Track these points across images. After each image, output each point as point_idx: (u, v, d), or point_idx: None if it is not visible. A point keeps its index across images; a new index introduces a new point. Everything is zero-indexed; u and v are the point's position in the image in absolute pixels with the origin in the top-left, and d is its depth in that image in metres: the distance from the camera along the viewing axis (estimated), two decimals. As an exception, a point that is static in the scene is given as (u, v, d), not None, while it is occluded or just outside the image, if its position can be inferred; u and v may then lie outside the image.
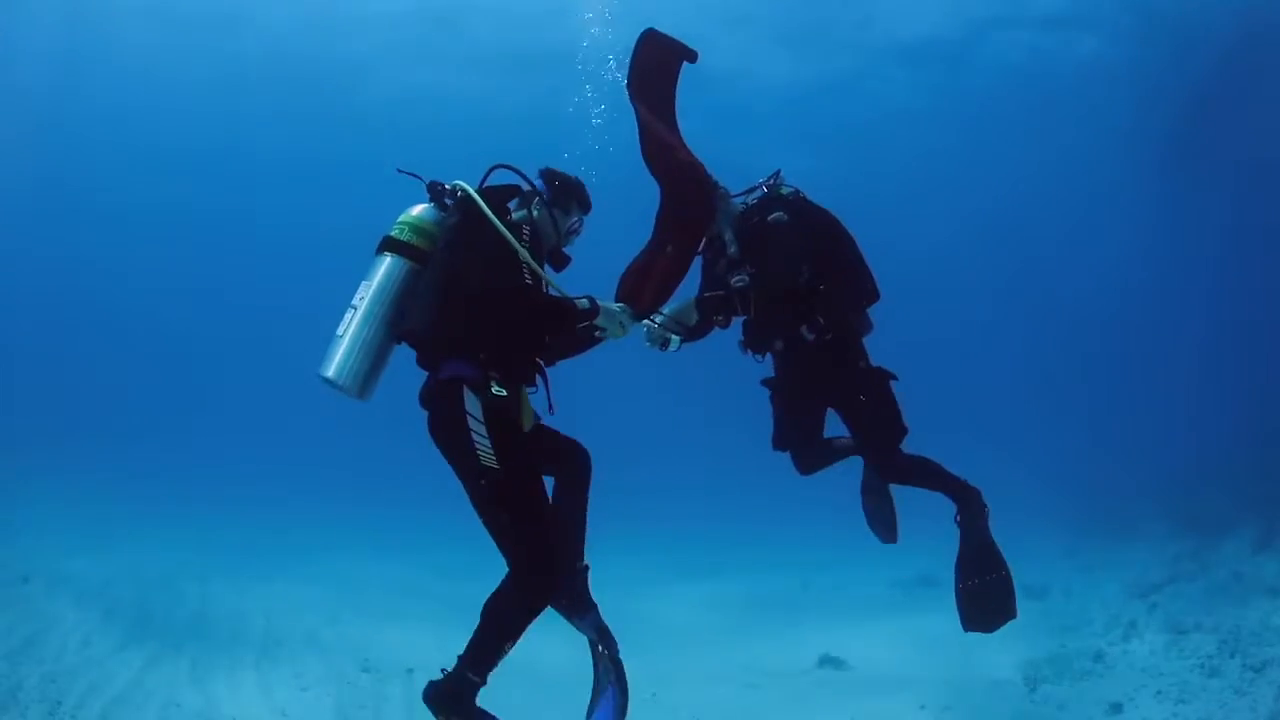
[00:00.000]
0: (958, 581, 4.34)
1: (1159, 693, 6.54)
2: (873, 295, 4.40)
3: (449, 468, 3.32)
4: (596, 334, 3.64)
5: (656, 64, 3.64)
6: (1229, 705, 6.08)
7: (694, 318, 4.05)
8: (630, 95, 3.60)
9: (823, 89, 18.07)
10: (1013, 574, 4.30)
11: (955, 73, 18.48)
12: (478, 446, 3.09)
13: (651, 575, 11.78)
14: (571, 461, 3.69)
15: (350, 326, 3.25)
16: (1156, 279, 21.31)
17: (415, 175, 3.47)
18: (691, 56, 3.68)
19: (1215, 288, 18.99)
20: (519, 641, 3.13)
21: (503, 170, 3.53)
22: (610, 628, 3.69)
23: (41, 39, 18.41)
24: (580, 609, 3.65)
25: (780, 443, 4.67)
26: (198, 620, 8.09)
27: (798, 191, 4.30)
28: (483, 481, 3.12)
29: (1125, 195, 20.13)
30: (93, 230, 24.15)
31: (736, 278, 4.03)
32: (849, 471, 5.10)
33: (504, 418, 3.17)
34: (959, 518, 4.40)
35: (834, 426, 4.67)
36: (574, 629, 3.76)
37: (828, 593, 10.67)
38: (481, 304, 3.16)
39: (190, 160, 22.52)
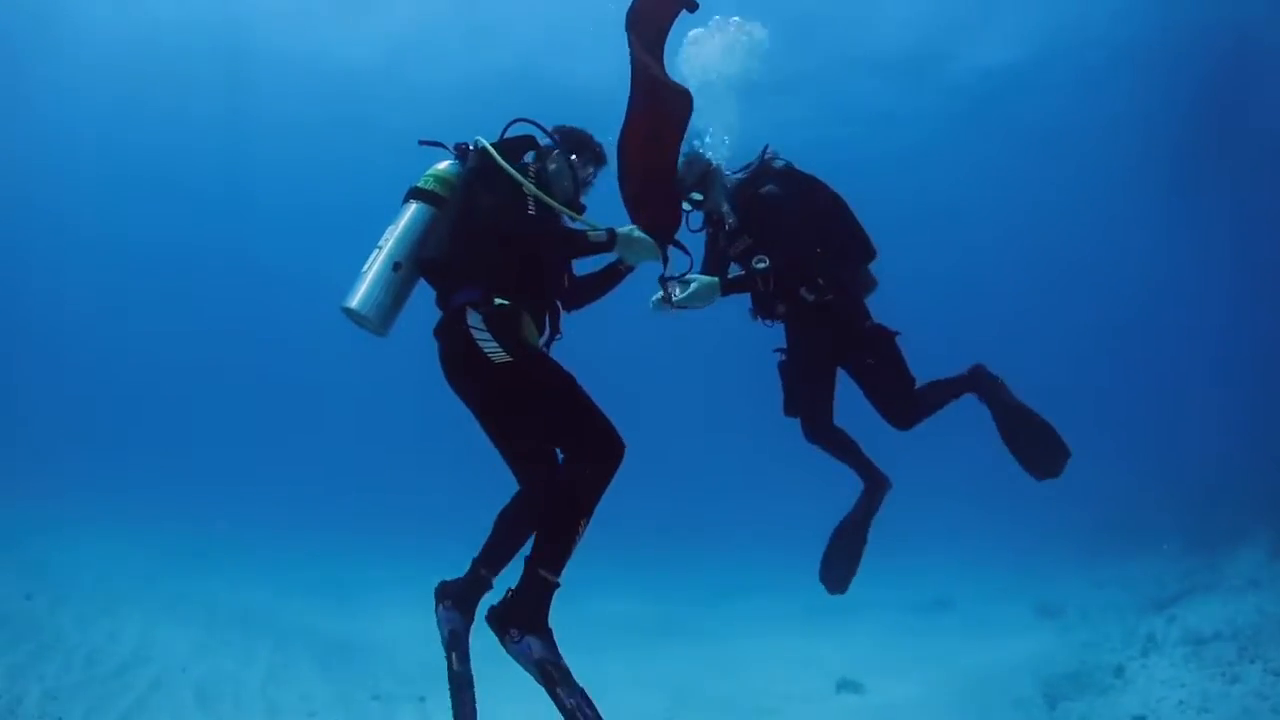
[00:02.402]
0: (1009, 448, 4.63)
1: (1181, 703, 6.46)
2: (869, 253, 4.57)
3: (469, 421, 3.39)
4: (621, 267, 3.81)
5: (656, 5, 3.70)
6: (1253, 710, 6.03)
7: (716, 298, 4.15)
8: (626, 25, 3.64)
9: (827, 111, 18.51)
10: (1051, 421, 4.57)
11: (963, 91, 18.82)
12: (485, 349, 3.18)
13: (664, 602, 11.64)
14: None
15: (375, 264, 3.43)
16: (1164, 292, 21.40)
17: (439, 144, 3.71)
18: (691, 6, 3.73)
19: (1224, 299, 19.06)
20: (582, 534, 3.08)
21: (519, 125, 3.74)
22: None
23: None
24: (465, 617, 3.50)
25: (790, 408, 4.76)
26: (204, 642, 7.95)
27: (789, 164, 4.48)
28: (501, 378, 3.19)
29: (1137, 208, 20.20)
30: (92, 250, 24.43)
31: (757, 259, 4.18)
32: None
33: (507, 323, 3.27)
34: (981, 398, 4.67)
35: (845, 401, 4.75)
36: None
37: (843, 617, 10.52)
38: (488, 235, 3.34)
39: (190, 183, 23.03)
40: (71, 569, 9.43)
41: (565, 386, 3.21)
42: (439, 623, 3.51)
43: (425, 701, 7.40)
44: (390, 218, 3.58)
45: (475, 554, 3.57)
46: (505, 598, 3.05)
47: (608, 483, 3.11)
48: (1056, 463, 4.58)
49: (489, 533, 3.58)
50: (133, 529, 12.46)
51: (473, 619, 3.51)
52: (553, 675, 2.89)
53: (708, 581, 13.57)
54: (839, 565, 4.97)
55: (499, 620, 3.01)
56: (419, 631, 9.31)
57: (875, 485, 4.85)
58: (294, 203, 24.06)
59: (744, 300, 4.54)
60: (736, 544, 15.89)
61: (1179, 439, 16.30)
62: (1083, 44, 17.01)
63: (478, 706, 3.44)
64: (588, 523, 3.08)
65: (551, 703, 2.90)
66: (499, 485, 3.83)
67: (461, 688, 3.42)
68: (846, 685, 8.20)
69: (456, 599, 3.54)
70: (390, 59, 18.05)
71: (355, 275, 3.48)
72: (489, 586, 3.55)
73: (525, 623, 2.95)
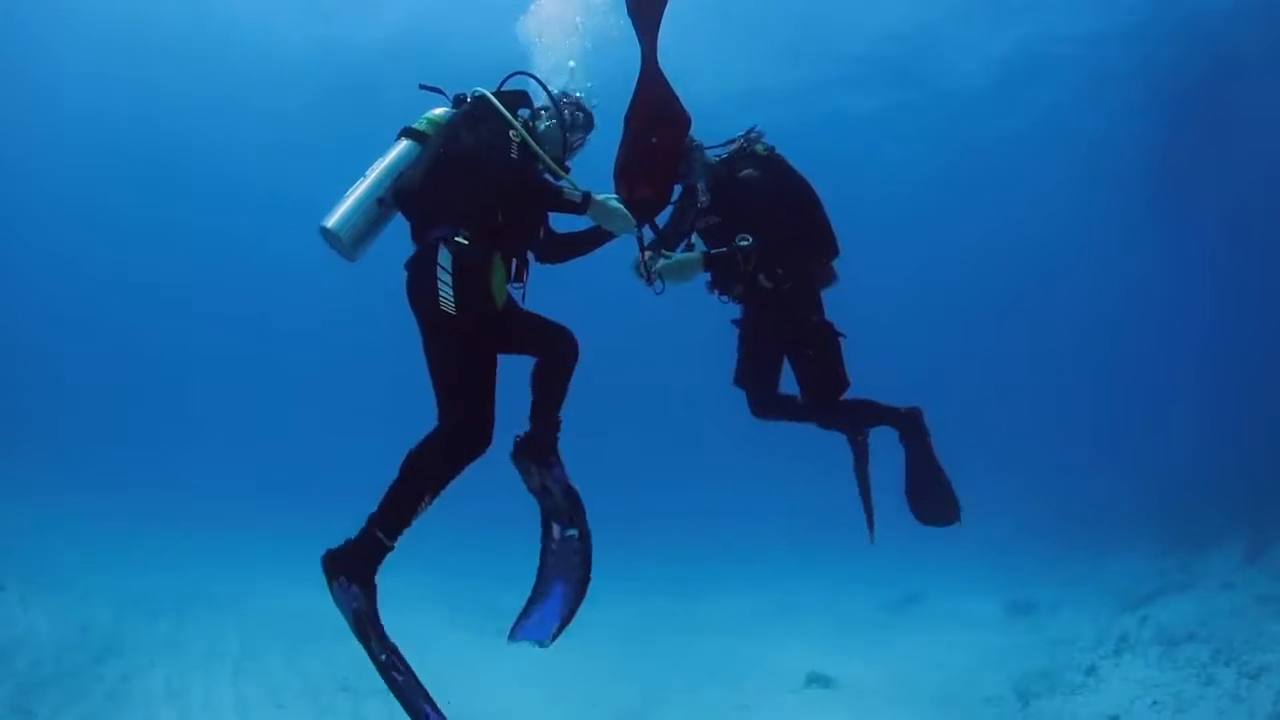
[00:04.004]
0: (907, 496, 4.65)
1: (1155, 703, 6.47)
2: (833, 250, 4.60)
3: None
4: (602, 232, 3.87)
5: None
6: (1227, 712, 6.03)
7: (698, 272, 4.21)
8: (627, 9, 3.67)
9: (813, 120, 18.45)
10: (954, 487, 4.56)
11: (947, 102, 18.98)
12: (440, 292, 3.28)
13: (635, 597, 11.60)
14: (557, 342, 3.81)
15: (358, 190, 3.53)
16: (1143, 294, 21.64)
17: (438, 90, 3.78)
18: None
19: (1202, 301, 19.25)
20: (434, 503, 3.19)
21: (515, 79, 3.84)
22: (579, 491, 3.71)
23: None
24: (544, 459, 3.73)
25: (739, 379, 4.82)
26: (173, 636, 7.90)
27: (773, 149, 4.46)
28: (438, 324, 3.31)
29: (1114, 213, 20.39)
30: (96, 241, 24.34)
31: (740, 236, 4.17)
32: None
33: (471, 271, 3.35)
34: (902, 440, 4.63)
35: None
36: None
37: (813, 612, 10.57)
38: (466, 173, 3.42)
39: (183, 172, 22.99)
40: (43, 562, 9.35)
41: (471, 360, 3.32)
42: (550, 486, 3.73)
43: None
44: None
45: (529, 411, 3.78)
46: (343, 544, 3.17)
47: (454, 466, 3.21)
48: (943, 516, 4.60)
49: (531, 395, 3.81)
50: (101, 523, 12.45)
51: (555, 457, 3.75)
52: (367, 629, 3.08)
53: (678, 577, 13.52)
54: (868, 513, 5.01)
55: (331, 563, 3.15)
56: (386, 623, 9.36)
57: (853, 433, 4.88)
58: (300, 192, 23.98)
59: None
60: (708, 540, 15.90)
61: (1155, 440, 16.43)
62: (1067, 48, 17.04)
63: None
64: (432, 499, 3.18)
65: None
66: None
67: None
68: (815, 679, 8.19)
69: (526, 453, 3.73)
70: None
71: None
72: (561, 423, 3.78)
73: (354, 573, 3.11)
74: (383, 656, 3.07)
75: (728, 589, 12.76)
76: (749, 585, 12.84)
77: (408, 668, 3.09)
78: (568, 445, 3.83)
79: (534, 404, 3.78)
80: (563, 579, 3.68)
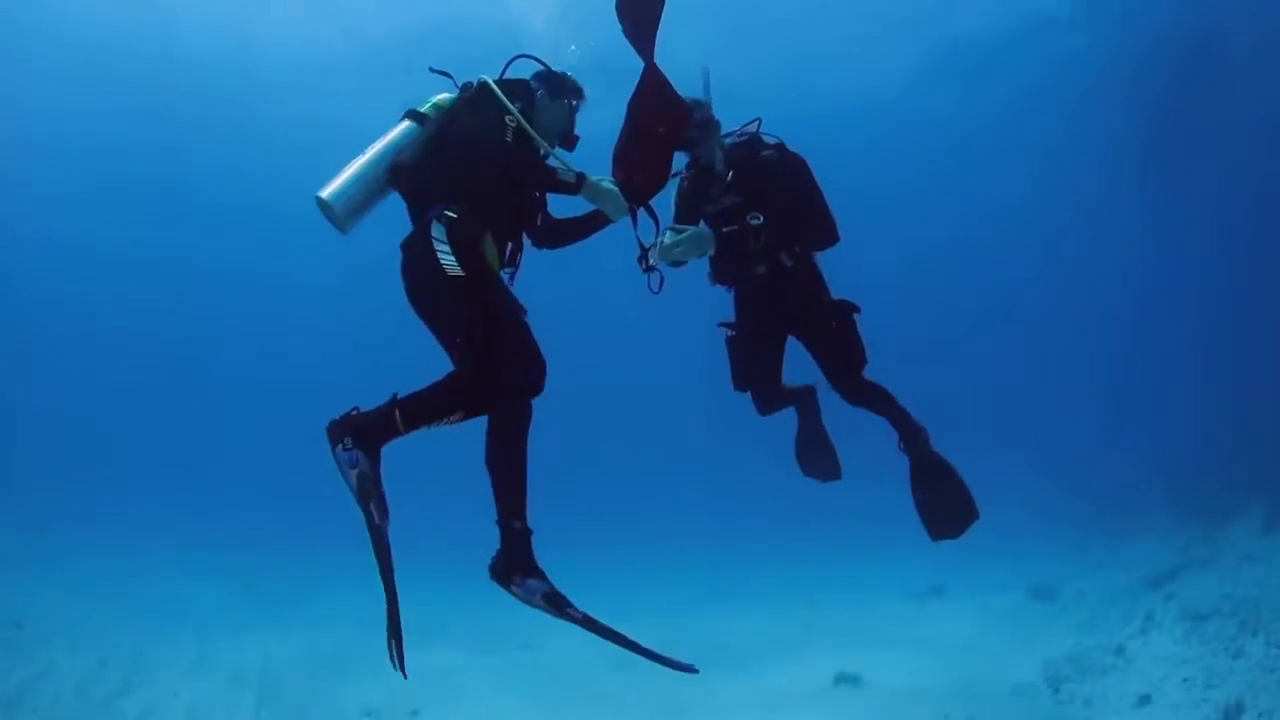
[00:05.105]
0: (915, 499, 4.50)
1: (1186, 680, 6.43)
2: (834, 238, 4.63)
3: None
4: (601, 217, 3.87)
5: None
6: (1259, 684, 5.99)
7: (709, 250, 4.21)
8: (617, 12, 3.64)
9: (801, 111, 18.61)
10: (965, 480, 4.39)
11: (934, 85, 19.18)
12: (441, 260, 3.28)
13: (656, 602, 11.53)
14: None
15: (355, 165, 3.56)
16: (1148, 271, 21.61)
17: (447, 74, 3.81)
18: None
19: (1207, 276, 19.21)
20: (451, 423, 3.19)
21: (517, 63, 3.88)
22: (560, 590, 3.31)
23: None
24: (518, 579, 3.28)
25: (741, 382, 4.77)
26: (194, 665, 7.86)
27: (780, 141, 4.53)
28: (449, 290, 3.28)
29: (1120, 187, 20.39)
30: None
31: (752, 215, 4.20)
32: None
33: (466, 238, 3.36)
34: (902, 444, 4.53)
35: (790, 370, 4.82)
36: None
37: (837, 610, 10.49)
38: (462, 154, 3.48)
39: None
40: (59, 596, 9.27)
41: (502, 313, 3.32)
42: (527, 604, 3.35)
43: (418, 716, 7.37)
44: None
45: (495, 519, 3.34)
46: (349, 412, 3.22)
47: (474, 410, 3.21)
48: (960, 523, 4.44)
49: (491, 484, 3.38)
50: (118, 554, 12.30)
51: (529, 571, 3.28)
52: (368, 490, 3.11)
53: (702, 580, 13.48)
54: (821, 468, 5.06)
55: (336, 429, 3.19)
56: (411, 650, 9.29)
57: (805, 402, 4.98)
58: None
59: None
60: (728, 541, 15.85)
61: (1168, 417, 16.39)
62: (1054, 35, 17.23)
63: None
64: (461, 420, 3.20)
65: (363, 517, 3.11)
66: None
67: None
68: (844, 679, 8.15)
69: (501, 574, 3.31)
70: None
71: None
72: (530, 532, 3.31)
73: (361, 438, 3.15)
74: (378, 520, 3.10)
75: (750, 590, 12.70)
76: (771, 586, 12.80)
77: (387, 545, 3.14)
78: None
79: (496, 492, 3.34)
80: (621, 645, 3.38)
